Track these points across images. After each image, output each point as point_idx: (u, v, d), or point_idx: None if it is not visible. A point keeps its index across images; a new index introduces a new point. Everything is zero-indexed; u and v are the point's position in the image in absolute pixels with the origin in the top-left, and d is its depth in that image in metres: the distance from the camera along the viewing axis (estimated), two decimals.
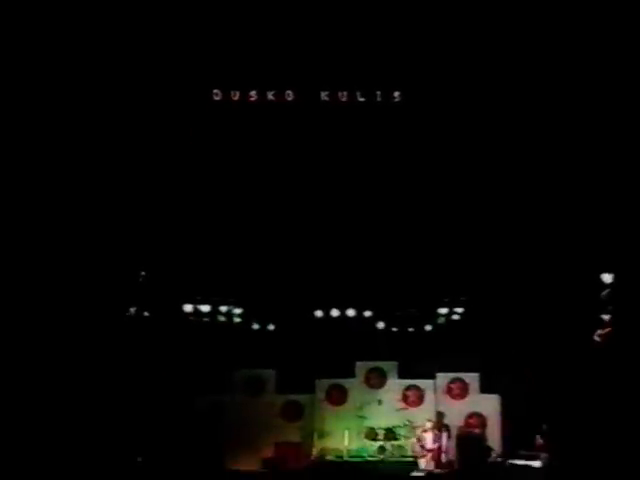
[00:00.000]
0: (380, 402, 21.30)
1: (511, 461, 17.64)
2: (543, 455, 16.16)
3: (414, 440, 17.48)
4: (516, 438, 18.66)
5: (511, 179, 17.45)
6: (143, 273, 18.51)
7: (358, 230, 18.73)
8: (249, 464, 19.55)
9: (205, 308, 20.43)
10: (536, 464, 16.46)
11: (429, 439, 16.75)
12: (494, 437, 20.65)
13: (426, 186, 17.97)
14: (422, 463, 16.52)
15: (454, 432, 20.42)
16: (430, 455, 16.66)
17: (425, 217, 18.42)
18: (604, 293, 16.99)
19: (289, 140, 17.37)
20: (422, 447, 16.67)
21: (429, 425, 17.15)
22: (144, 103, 16.08)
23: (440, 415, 20.62)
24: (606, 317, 17.01)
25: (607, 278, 16.99)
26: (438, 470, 15.81)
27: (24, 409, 15.59)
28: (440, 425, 19.75)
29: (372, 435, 20.61)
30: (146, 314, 19.05)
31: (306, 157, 17.57)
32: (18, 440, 15.19)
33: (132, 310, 18.71)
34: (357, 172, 17.88)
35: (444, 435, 19.49)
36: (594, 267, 17.07)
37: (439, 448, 18.89)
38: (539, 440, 16.46)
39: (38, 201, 15.80)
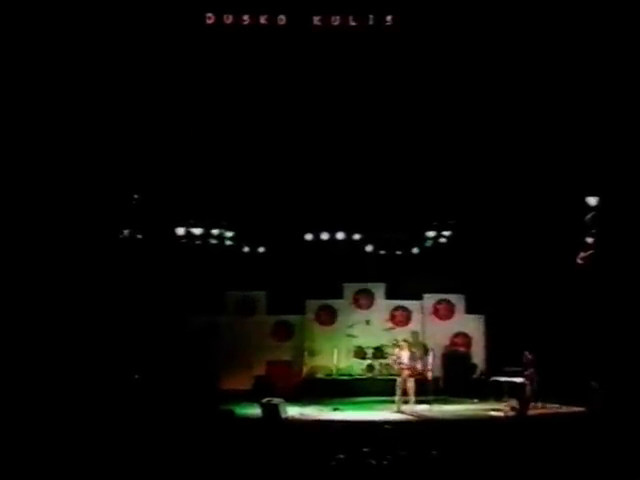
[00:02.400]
0: (368, 322, 21.87)
1: (495, 377, 18.29)
2: (529, 370, 16.78)
3: (393, 357, 18.03)
4: (500, 356, 19.21)
5: (500, 103, 17.56)
6: (136, 196, 18.61)
7: (348, 154, 18.85)
8: (242, 382, 20.04)
9: (197, 231, 20.62)
10: (518, 380, 17.09)
11: (405, 356, 17.31)
12: (479, 355, 21.45)
13: (416, 110, 18.05)
14: (400, 382, 17.00)
15: (439, 351, 21.14)
16: (407, 372, 17.17)
17: (415, 142, 18.55)
18: (588, 216, 17.32)
19: (281, 64, 17.33)
20: (399, 364, 17.18)
21: (404, 344, 17.68)
22: (137, 28, 15.96)
23: (415, 335, 21.30)
24: (590, 240, 17.38)
25: (592, 201, 17.30)
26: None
27: (23, 329, 15.93)
28: (416, 344, 20.28)
29: (361, 354, 21.23)
30: (139, 237, 19.22)
31: (297, 81, 17.56)
32: (17, 361, 15.58)
33: (125, 233, 18.88)
34: (348, 96, 17.91)
35: (431, 353, 20.04)
36: (579, 190, 17.37)
37: (423, 367, 19.41)
38: (527, 356, 17.04)
39: (34, 126, 15.85)
